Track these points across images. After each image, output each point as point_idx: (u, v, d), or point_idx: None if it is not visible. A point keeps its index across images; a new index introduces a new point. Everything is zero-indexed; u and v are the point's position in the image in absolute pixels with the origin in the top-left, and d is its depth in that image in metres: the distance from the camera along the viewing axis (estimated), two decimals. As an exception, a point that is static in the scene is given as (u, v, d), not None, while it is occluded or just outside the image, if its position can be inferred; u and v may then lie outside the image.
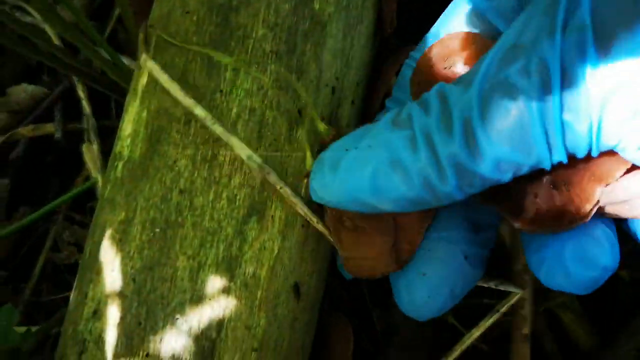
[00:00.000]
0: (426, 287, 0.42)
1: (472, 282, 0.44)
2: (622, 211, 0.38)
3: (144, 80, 0.50)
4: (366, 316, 0.65)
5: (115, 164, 0.49)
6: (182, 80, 0.48)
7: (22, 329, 0.55)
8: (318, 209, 0.46)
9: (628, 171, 0.37)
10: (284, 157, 0.47)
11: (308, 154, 0.47)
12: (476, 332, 0.54)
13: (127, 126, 0.50)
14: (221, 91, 0.47)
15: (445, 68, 0.45)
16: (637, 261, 0.69)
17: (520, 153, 0.34)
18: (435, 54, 0.46)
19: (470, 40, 0.45)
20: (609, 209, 0.38)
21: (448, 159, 0.35)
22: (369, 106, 0.54)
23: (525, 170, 0.36)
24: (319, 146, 0.49)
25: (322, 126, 0.48)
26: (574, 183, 0.37)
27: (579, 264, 0.37)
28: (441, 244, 0.43)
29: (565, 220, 0.37)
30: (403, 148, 0.36)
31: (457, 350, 0.54)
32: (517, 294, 0.54)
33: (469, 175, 0.35)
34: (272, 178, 0.44)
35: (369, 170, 0.37)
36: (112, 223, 0.47)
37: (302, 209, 0.46)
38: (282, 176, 0.46)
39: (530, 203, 0.38)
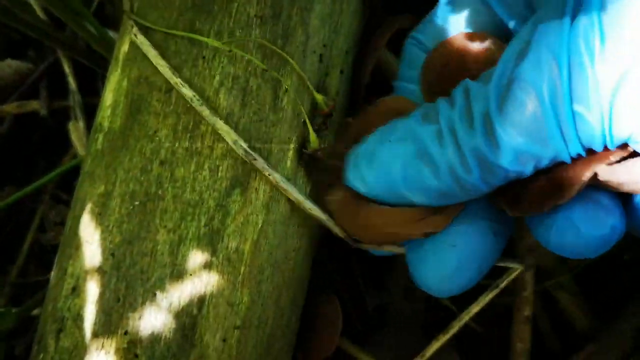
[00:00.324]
0: (456, 258, 0.42)
1: (494, 260, 0.44)
2: (622, 187, 0.37)
3: (125, 47, 0.48)
4: (358, 296, 0.63)
5: (96, 136, 0.47)
6: (164, 47, 0.45)
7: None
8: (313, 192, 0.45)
9: (633, 155, 0.36)
10: (268, 126, 0.44)
11: (311, 131, 0.45)
12: (475, 308, 0.52)
13: (108, 96, 0.48)
14: (204, 57, 0.45)
15: (458, 69, 0.43)
16: (636, 242, 0.67)
17: (538, 145, 0.35)
18: (444, 53, 0.45)
19: (480, 39, 0.44)
20: (611, 184, 0.37)
21: (471, 151, 0.36)
22: (357, 77, 0.52)
23: (545, 162, 0.36)
24: (318, 117, 0.47)
25: (319, 97, 0.46)
26: (567, 169, 0.37)
27: (588, 224, 0.38)
28: (472, 218, 0.42)
29: (548, 204, 0.38)
30: (431, 141, 0.38)
31: (455, 327, 0.52)
32: (517, 269, 0.52)
33: (491, 167, 0.36)
34: (259, 164, 0.42)
35: (400, 162, 0.39)
36: (92, 197, 0.45)
37: (294, 195, 0.44)
38: (267, 143, 0.44)
39: (524, 194, 0.39)
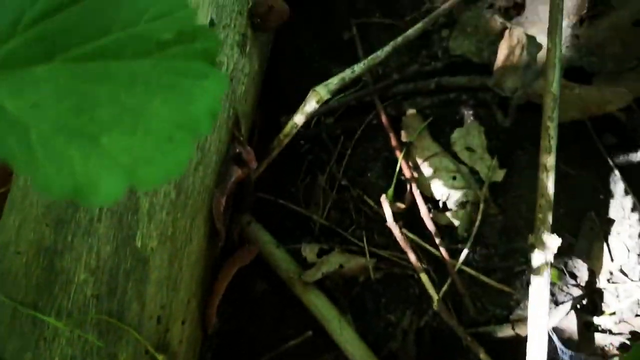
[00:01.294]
0: None
1: None
2: None
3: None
4: None
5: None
6: (11, 326, 0.50)
7: None
8: None
9: None
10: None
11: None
12: None
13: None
14: (45, 339, 0.49)
15: None
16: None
17: None
18: None
19: None
20: None
21: None
22: (205, 317, 0.57)
23: None
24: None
25: (160, 358, 0.51)
26: None
27: None
28: None
29: None
30: None
31: None
32: None
33: None
34: None
35: None
36: None
37: None
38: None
39: None
